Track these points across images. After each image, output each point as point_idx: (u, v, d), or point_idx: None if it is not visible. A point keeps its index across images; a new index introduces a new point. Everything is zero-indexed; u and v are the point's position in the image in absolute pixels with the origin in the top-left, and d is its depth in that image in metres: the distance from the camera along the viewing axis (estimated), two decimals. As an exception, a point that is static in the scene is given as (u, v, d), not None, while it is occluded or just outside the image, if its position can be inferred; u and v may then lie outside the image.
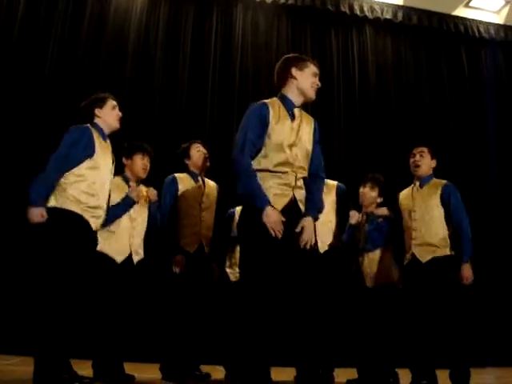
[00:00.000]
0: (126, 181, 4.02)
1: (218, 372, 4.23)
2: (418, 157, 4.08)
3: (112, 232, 3.78)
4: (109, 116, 3.54)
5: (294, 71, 3.04)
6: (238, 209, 4.37)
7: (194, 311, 3.98)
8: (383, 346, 4.01)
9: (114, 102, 3.60)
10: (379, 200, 4.33)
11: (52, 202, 3.24)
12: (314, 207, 2.98)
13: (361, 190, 4.38)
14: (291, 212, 2.89)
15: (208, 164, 4.33)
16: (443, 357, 3.75)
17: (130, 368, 3.92)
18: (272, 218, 2.75)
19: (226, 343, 4.13)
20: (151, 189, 4.06)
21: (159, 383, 3.83)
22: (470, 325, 4.56)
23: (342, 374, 4.30)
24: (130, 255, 3.83)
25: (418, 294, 3.82)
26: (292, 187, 2.92)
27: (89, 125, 3.44)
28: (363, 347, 4.13)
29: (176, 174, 4.27)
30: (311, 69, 3.08)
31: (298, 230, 2.87)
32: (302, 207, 2.94)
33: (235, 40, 6.66)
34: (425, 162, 4.07)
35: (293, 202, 2.91)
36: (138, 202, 3.92)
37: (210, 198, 4.27)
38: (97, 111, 3.51)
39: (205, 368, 4.20)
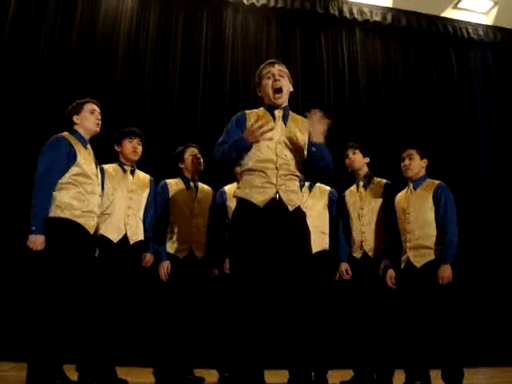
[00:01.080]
0: (121, 166, 4.07)
1: (211, 376, 4.22)
2: (407, 161, 4.09)
3: (108, 214, 3.83)
4: (86, 120, 3.59)
5: (258, 91, 3.22)
6: (227, 187, 4.42)
7: (186, 316, 3.98)
8: (380, 346, 4.01)
9: (93, 106, 3.64)
10: (367, 160, 4.42)
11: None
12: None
13: (346, 161, 4.43)
14: (275, 210, 2.92)
15: (201, 167, 4.33)
16: (437, 357, 3.77)
17: (122, 372, 3.91)
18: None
19: (220, 347, 4.12)
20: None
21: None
22: (463, 325, 4.56)
23: (336, 376, 4.31)
24: (126, 235, 3.85)
25: (412, 298, 3.84)
26: (274, 185, 2.95)
27: (65, 133, 3.51)
28: (359, 348, 4.14)
29: (167, 180, 4.29)
30: (264, 72, 3.13)
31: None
32: (290, 207, 2.96)
33: (225, 43, 6.66)
34: (415, 165, 4.08)
35: (276, 200, 2.94)
36: None
37: (202, 203, 4.27)
38: (74, 118, 3.58)
39: (198, 372, 4.20)
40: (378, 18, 7.28)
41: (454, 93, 7.44)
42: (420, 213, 3.94)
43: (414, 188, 4.06)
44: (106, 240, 3.78)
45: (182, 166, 4.33)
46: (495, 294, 6.57)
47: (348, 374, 4.21)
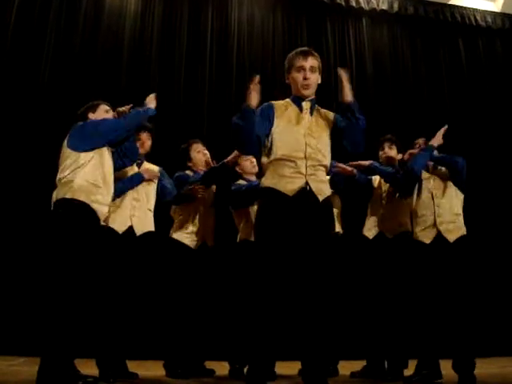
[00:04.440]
0: None
1: (222, 368, 4.22)
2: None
3: (116, 206, 3.81)
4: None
5: (286, 78, 3.20)
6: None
7: (197, 307, 4.00)
8: (392, 336, 4.00)
9: (107, 107, 3.67)
10: (399, 157, 4.35)
11: (61, 194, 3.30)
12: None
13: (380, 153, 4.40)
14: (303, 200, 2.92)
15: (209, 160, 4.33)
16: (449, 347, 3.75)
17: (133, 366, 3.91)
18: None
19: (231, 339, 4.12)
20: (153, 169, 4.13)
21: (163, 380, 3.82)
22: (476, 314, 4.54)
23: (347, 367, 4.31)
24: (131, 227, 3.84)
25: (425, 282, 3.82)
26: (304, 174, 2.94)
27: None
28: (371, 337, 4.14)
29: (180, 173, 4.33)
30: (296, 64, 3.10)
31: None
32: (320, 197, 2.95)
33: (231, 33, 6.63)
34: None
35: (306, 190, 2.93)
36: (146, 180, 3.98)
37: (210, 194, 4.27)
38: (90, 115, 3.59)
39: (209, 364, 4.21)
40: (384, 7, 7.23)
41: (463, 80, 7.39)
42: (443, 189, 3.93)
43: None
44: (111, 231, 3.76)
45: (189, 164, 4.36)
46: (507, 283, 6.55)
47: (358, 365, 4.21)
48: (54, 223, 3.28)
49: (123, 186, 3.80)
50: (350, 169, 4.22)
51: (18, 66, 5.79)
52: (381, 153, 4.41)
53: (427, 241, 3.86)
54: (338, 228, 4.31)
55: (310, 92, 3.12)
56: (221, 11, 6.70)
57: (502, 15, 7.74)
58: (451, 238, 3.80)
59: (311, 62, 3.10)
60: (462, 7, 7.60)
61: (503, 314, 6.38)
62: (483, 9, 7.68)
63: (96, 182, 3.35)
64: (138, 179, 3.92)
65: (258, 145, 3.05)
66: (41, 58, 5.87)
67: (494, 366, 5.02)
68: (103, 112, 3.62)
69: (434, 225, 3.85)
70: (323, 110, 3.22)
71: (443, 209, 3.87)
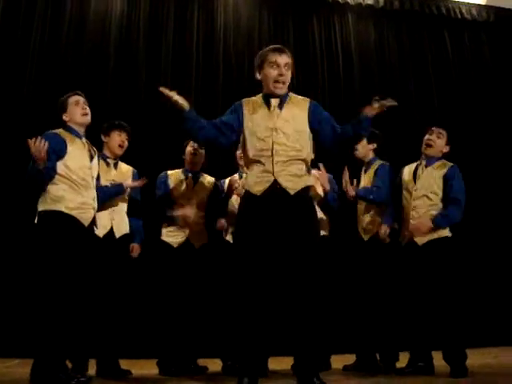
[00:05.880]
0: (104, 159, 4.07)
1: (215, 365, 4.23)
2: (434, 136, 4.01)
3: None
4: (74, 115, 3.55)
5: (257, 74, 3.17)
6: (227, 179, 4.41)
7: (188, 305, 4.01)
8: (383, 328, 4.02)
9: (76, 97, 3.59)
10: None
11: (40, 207, 3.34)
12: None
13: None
14: (273, 197, 2.95)
15: (201, 160, 4.36)
16: (439, 338, 3.78)
17: (126, 364, 3.94)
18: None
19: (223, 335, 4.13)
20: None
21: (157, 378, 3.82)
22: (466, 305, 4.57)
23: (339, 360, 4.32)
24: (112, 230, 3.89)
25: (414, 277, 3.83)
26: (271, 172, 2.97)
27: (60, 129, 3.49)
28: (362, 331, 4.16)
29: (168, 172, 4.36)
30: (270, 59, 3.07)
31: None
32: (292, 191, 2.97)
33: (217, 31, 6.60)
34: (438, 144, 4.00)
35: (276, 187, 2.96)
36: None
37: (200, 193, 4.30)
38: (63, 116, 3.56)
39: (202, 361, 4.21)
40: (370, 1, 7.21)
41: (449, 73, 7.41)
42: (428, 191, 3.88)
43: (426, 165, 3.99)
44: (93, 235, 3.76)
45: (184, 158, 4.38)
46: (499, 273, 6.60)
47: (351, 359, 4.23)
48: (37, 235, 3.33)
49: (104, 196, 3.77)
50: (325, 188, 4.18)
51: (3, 66, 5.75)
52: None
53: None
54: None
55: (283, 91, 3.10)
56: (206, 8, 6.66)
57: (487, 8, 7.75)
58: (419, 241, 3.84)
59: (286, 59, 3.08)
60: (447, 0, 7.60)
61: (496, 305, 6.41)
62: (468, 2, 7.70)
63: (74, 189, 3.36)
64: (119, 191, 3.95)
65: (229, 129, 3.10)
66: (26, 58, 5.83)
67: (486, 356, 5.06)
68: (73, 106, 3.54)
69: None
70: (299, 98, 3.19)
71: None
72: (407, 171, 4.10)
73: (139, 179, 4.16)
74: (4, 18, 5.89)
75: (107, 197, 3.83)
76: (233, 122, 3.11)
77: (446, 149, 4.06)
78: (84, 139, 3.58)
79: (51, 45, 5.97)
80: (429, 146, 4.00)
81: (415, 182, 3.97)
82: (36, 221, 3.37)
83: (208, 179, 4.41)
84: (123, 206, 4.05)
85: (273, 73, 3.05)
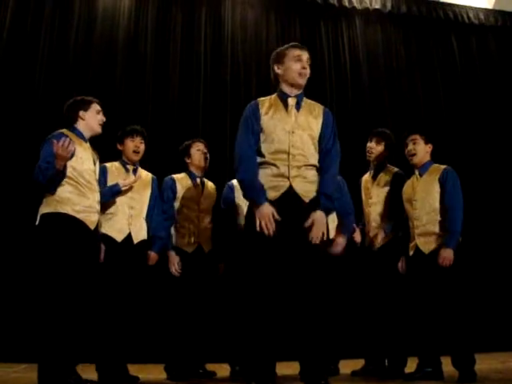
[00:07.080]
0: (123, 165, 4.07)
1: (223, 370, 4.22)
2: (411, 145, 4.05)
3: (112, 214, 3.84)
4: (93, 119, 3.56)
5: (276, 68, 3.17)
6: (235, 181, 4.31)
7: (196, 310, 4.00)
8: (391, 334, 4.01)
9: (99, 107, 3.62)
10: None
11: (44, 209, 3.31)
12: (323, 196, 2.96)
13: (368, 144, 4.35)
14: (288, 203, 2.91)
15: (207, 164, 4.35)
16: (447, 343, 3.76)
17: (134, 369, 3.92)
18: (261, 212, 2.83)
19: (231, 341, 4.12)
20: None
21: (164, 383, 3.82)
22: (473, 311, 4.55)
23: (348, 365, 4.31)
24: (130, 235, 3.85)
25: (421, 284, 3.82)
26: (287, 177, 2.94)
27: (64, 130, 3.47)
28: (370, 336, 4.16)
29: (174, 176, 4.31)
30: (293, 53, 3.11)
31: (307, 225, 2.87)
32: (306, 199, 2.94)
33: (225, 35, 6.62)
34: (419, 149, 4.02)
35: (289, 193, 2.93)
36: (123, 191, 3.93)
37: (208, 199, 4.30)
38: (81, 113, 3.54)
39: (210, 366, 4.20)
40: (377, 6, 7.23)
41: (457, 78, 7.40)
42: (427, 199, 3.89)
43: (420, 175, 4.01)
44: (109, 239, 3.78)
45: (188, 161, 4.34)
46: (507, 278, 6.57)
47: (359, 364, 4.22)
48: (41, 237, 3.30)
49: (103, 197, 3.72)
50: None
51: (13, 68, 5.78)
52: (368, 143, 4.36)
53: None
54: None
55: (304, 84, 3.14)
56: (214, 13, 6.69)
57: (495, 12, 7.75)
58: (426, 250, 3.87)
59: (307, 55, 3.15)
60: (454, 5, 7.60)
61: (504, 309, 6.39)
62: (476, 6, 7.69)
63: (80, 191, 3.35)
64: (116, 191, 3.88)
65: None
66: (36, 59, 5.86)
67: (495, 361, 5.03)
68: (95, 113, 3.57)
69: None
70: (313, 103, 3.22)
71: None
72: (406, 184, 4.11)
73: (158, 184, 4.18)
74: (13, 23, 5.92)
75: (105, 198, 3.75)
76: (257, 129, 3.05)
77: (429, 147, 4.08)
78: (88, 143, 3.58)
79: (59, 50, 6.00)
80: (412, 155, 4.05)
81: (414, 193, 3.98)
82: (38, 223, 3.34)
83: (210, 184, 4.42)
84: (142, 211, 4.00)
85: (297, 65, 3.09)
